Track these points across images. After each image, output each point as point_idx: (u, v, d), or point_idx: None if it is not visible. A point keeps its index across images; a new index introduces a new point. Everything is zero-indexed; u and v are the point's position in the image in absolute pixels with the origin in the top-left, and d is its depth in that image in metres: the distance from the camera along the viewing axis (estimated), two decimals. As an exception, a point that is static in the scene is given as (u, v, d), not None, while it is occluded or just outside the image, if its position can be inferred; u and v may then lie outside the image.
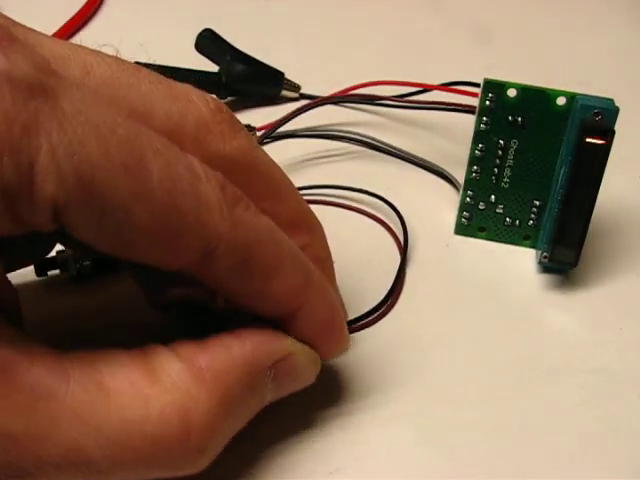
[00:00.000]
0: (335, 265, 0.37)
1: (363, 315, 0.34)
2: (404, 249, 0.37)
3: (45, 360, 0.22)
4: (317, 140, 0.44)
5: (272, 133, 0.41)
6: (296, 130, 0.43)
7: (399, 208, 0.39)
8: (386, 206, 0.40)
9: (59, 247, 0.36)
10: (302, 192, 0.40)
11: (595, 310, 0.35)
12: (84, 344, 0.33)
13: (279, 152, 0.43)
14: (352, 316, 0.34)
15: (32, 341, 0.22)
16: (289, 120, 0.41)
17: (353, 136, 0.44)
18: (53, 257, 0.35)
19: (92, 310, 0.35)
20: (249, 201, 0.25)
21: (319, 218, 0.36)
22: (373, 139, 0.44)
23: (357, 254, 0.38)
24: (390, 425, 0.31)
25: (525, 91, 0.35)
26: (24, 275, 0.36)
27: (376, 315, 0.34)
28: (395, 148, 0.43)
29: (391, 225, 0.39)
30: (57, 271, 0.35)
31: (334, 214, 0.40)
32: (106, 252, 0.22)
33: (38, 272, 0.35)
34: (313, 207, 0.40)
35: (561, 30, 0.56)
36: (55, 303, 0.35)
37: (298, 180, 0.41)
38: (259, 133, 0.44)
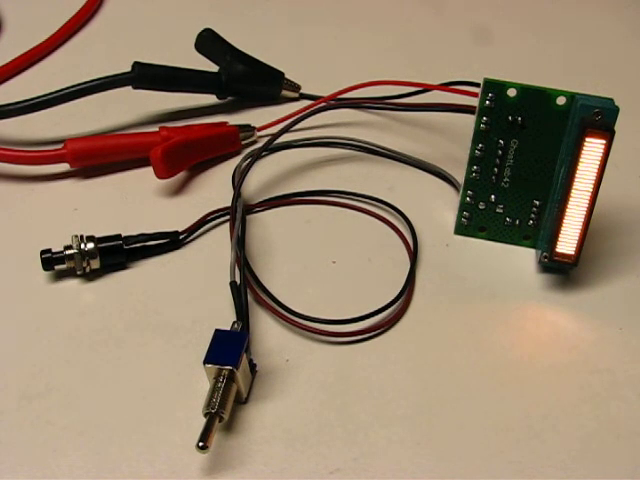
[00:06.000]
0: (340, 264, 0.37)
1: (369, 314, 0.34)
2: (414, 254, 0.37)
3: None
4: (316, 147, 0.44)
5: (272, 144, 0.41)
6: (295, 140, 0.44)
7: (399, 209, 0.39)
8: (387, 207, 0.40)
9: (66, 242, 0.36)
10: (305, 198, 0.40)
11: (595, 310, 0.35)
12: (87, 340, 0.33)
13: (280, 160, 0.43)
14: (359, 314, 0.34)
15: None
16: (291, 127, 0.41)
17: (351, 142, 0.44)
18: (60, 252, 0.35)
19: (96, 305, 0.35)
20: None
21: (326, 219, 0.35)
22: (371, 143, 0.43)
23: (363, 254, 0.38)
24: (390, 425, 0.31)
25: (525, 91, 0.35)
26: (31, 269, 0.36)
27: (386, 319, 0.34)
28: (393, 151, 0.43)
29: (397, 225, 0.39)
30: (64, 265, 0.35)
31: (340, 214, 0.40)
32: None
33: (45, 266, 0.35)
34: (319, 208, 0.40)
35: (561, 30, 0.56)
36: (60, 298, 0.35)
37: (300, 186, 0.41)
38: (259, 133, 0.45)
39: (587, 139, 0.33)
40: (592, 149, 0.33)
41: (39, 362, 0.33)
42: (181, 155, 0.41)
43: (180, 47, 0.48)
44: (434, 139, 0.45)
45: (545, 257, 0.36)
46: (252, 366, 0.32)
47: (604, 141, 0.33)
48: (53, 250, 0.36)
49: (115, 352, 0.33)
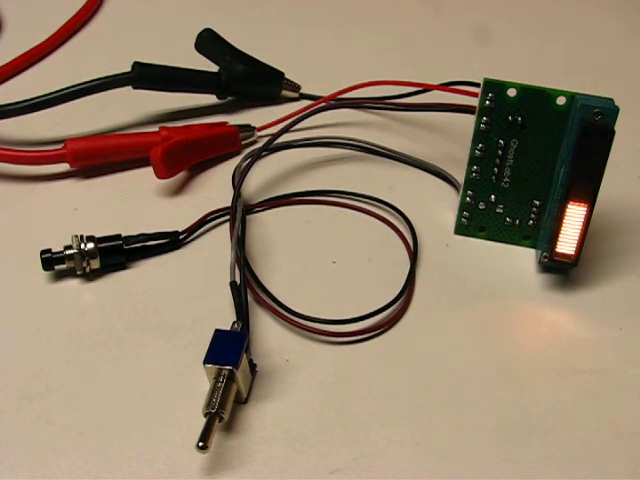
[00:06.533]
0: (340, 264, 0.37)
1: (369, 314, 0.34)
2: (414, 254, 0.37)
3: None
4: (316, 147, 0.44)
5: (272, 144, 0.41)
6: (295, 140, 0.44)
7: (399, 209, 0.39)
8: (387, 207, 0.40)
9: (66, 242, 0.36)
10: (305, 198, 0.40)
11: (595, 310, 0.35)
12: (87, 340, 0.33)
13: (280, 160, 0.43)
14: (359, 314, 0.34)
15: None
16: (291, 127, 0.41)
17: (351, 142, 0.44)
18: (60, 252, 0.35)
19: (96, 305, 0.35)
20: None
21: (326, 219, 0.35)
22: (371, 143, 0.43)
23: (363, 254, 0.38)
24: (390, 425, 0.31)
25: (525, 91, 0.35)
26: (31, 269, 0.36)
27: (386, 319, 0.34)
28: (393, 151, 0.43)
29: (397, 225, 0.39)
30: (64, 265, 0.35)
31: (340, 214, 0.40)
32: None
33: (45, 266, 0.35)
34: (319, 208, 0.40)
35: (561, 30, 0.56)
36: (60, 298, 0.35)
37: (300, 186, 0.41)
38: (259, 133, 0.44)
39: (587, 139, 0.33)
40: (592, 148, 0.33)
41: (39, 362, 0.33)
42: (181, 155, 0.41)
43: (180, 47, 0.48)
44: (434, 139, 0.45)
45: (545, 257, 0.36)
46: (252, 366, 0.32)
47: (604, 141, 0.33)
48: (53, 250, 0.36)
49: (115, 352, 0.33)
